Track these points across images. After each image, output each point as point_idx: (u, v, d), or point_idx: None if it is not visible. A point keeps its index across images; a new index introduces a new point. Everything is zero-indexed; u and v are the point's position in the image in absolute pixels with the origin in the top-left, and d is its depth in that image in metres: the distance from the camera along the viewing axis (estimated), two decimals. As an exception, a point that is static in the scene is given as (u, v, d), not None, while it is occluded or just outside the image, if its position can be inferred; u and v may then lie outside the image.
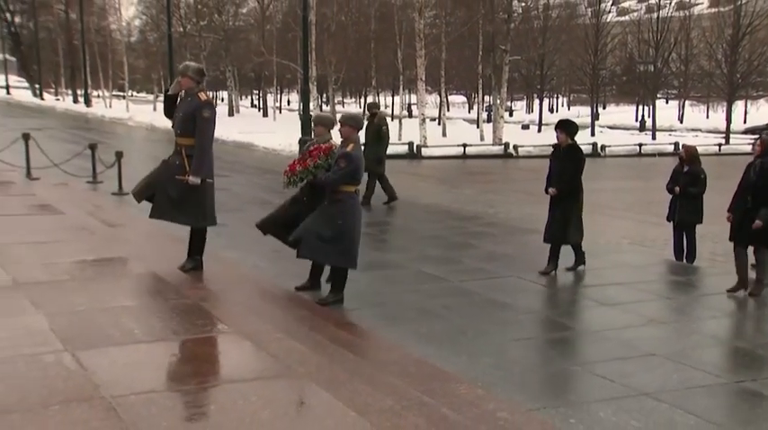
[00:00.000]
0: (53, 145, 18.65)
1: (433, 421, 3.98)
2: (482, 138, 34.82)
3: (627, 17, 63.64)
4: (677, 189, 10.12)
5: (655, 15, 46.79)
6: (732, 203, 8.39)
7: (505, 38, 34.17)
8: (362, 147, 7.79)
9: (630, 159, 32.58)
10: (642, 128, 50.94)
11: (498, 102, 35.31)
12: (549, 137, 34.69)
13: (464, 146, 29.55)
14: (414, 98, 52.54)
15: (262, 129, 34.90)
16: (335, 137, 7.48)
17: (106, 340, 5.07)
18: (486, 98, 46.38)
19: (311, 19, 30.08)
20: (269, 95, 56.64)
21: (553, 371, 6.05)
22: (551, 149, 8.92)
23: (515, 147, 30.85)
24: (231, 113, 50.02)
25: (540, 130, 45.25)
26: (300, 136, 24.76)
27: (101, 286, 6.67)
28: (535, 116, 51.39)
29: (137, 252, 8.09)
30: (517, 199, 17.29)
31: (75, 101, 56.02)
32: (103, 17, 60.55)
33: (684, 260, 10.34)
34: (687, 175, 10.10)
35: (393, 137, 31.67)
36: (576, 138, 8.81)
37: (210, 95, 7.70)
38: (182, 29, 45.00)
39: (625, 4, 76.44)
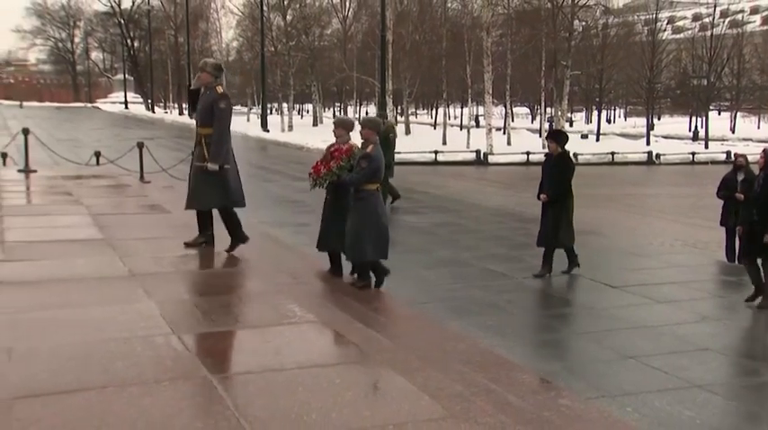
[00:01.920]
0: (161, 152, 19.17)
1: (499, 406, 3.93)
2: (544, 147, 34.31)
3: (681, 35, 61.69)
4: (740, 196, 9.45)
5: (708, 33, 45.29)
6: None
7: (567, 54, 33.61)
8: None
9: (684, 167, 31.62)
10: (695, 137, 49.24)
11: (559, 113, 34.75)
12: (607, 145, 34.12)
13: (527, 153, 29.15)
14: (481, 110, 52.16)
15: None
16: (356, 139, 7.39)
17: (206, 326, 5.17)
18: (548, 110, 45.67)
19: (388, 38, 30.18)
20: (349, 107, 56.99)
21: (611, 363, 5.92)
22: (544, 158, 8.81)
23: (575, 154, 30.28)
24: (315, 124, 50.50)
25: (598, 139, 44.29)
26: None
27: (202, 277, 6.84)
28: (594, 126, 50.28)
29: (227, 246, 8.22)
30: (577, 202, 16.94)
31: (181, 113, 57.57)
32: (206, 40, 62.12)
33: (736, 262, 9.96)
34: (745, 182, 9.54)
35: (461, 145, 31.78)
36: (567, 146, 8.60)
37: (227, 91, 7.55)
38: (273, 48, 45.62)
39: (680, 23, 74.16)
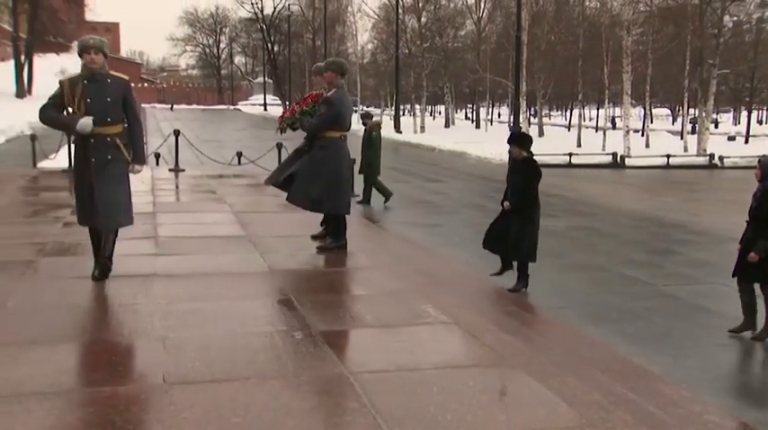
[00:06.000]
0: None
1: (640, 418, 3.79)
2: (686, 150, 32.72)
3: None
4: None
5: None
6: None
7: (714, 52, 31.87)
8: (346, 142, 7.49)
9: None
10: None
11: (703, 114, 33.02)
12: (758, 148, 32.02)
13: (667, 156, 27.91)
14: (618, 111, 50.42)
15: (474, 139, 35.00)
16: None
17: (343, 323, 5.30)
18: (691, 110, 43.50)
19: (523, 39, 29.74)
20: (482, 109, 56.65)
21: (762, 378, 5.57)
22: (509, 164, 7.69)
23: (721, 157, 28.71)
24: (447, 125, 50.58)
25: (747, 142, 41.77)
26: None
27: (337, 275, 7.00)
28: (742, 127, 47.44)
29: (360, 245, 8.38)
30: (722, 208, 16.04)
31: (315, 115, 59.16)
32: (342, 43, 63.62)
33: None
34: None
35: (597, 148, 30.84)
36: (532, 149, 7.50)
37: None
38: (407, 50, 46.10)
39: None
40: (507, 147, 7.47)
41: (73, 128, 5.77)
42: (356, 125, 13.83)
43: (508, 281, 7.29)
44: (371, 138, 14.12)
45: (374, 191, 14.07)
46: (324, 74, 7.31)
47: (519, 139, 7.40)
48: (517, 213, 7.23)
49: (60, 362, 4.28)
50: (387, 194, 14.10)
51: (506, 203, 7.32)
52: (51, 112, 5.87)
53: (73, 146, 6.21)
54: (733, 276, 6.56)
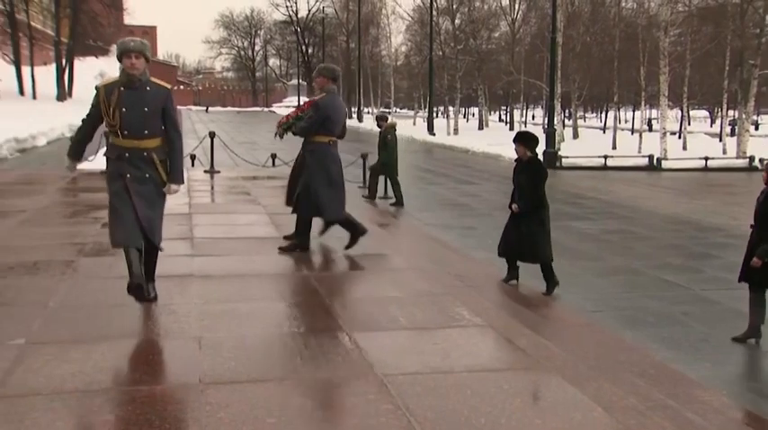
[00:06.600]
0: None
1: (679, 424, 3.73)
2: (725, 152, 32.14)
3: None
4: None
5: None
6: None
7: (755, 52, 31.26)
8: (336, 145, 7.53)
9: None
10: None
11: (744, 116, 32.41)
12: (799, 150, 31.33)
13: (705, 159, 27.43)
14: (654, 113, 49.75)
15: (508, 141, 34.72)
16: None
17: (377, 325, 5.30)
18: (730, 112, 42.73)
19: (558, 40, 29.51)
20: (515, 111, 56.33)
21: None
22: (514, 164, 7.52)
23: (761, 160, 28.11)
24: (481, 127, 50.35)
25: (788, 143, 40.91)
26: (544, 148, 24.44)
27: (371, 278, 7.00)
28: (783, 129, 46.49)
29: (395, 247, 8.39)
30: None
31: (350, 116, 59.44)
32: (376, 45, 63.80)
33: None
34: None
35: (633, 150, 30.46)
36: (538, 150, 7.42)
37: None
38: (441, 52, 46.01)
39: None
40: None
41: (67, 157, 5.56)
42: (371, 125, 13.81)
43: (542, 283, 7.23)
44: (387, 140, 14.17)
45: (389, 189, 14.19)
46: (316, 79, 7.40)
47: (524, 139, 7.30)
48: (526, 216, 7.15)
49: (99, 360, 4.35)
50: (398, 197, 14.13)
51: (514, 206, 7.26)
52: (78, 135, 5.53)
53: (104, 158, 5.58)
54: (739, 281, 6.41)
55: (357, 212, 10.91)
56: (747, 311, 6.32)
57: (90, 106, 5.36)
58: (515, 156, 7.39)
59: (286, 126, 7.56)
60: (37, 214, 9.98)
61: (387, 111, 46.82)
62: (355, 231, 7.74)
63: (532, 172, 7.16)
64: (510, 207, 7.32)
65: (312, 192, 7.34)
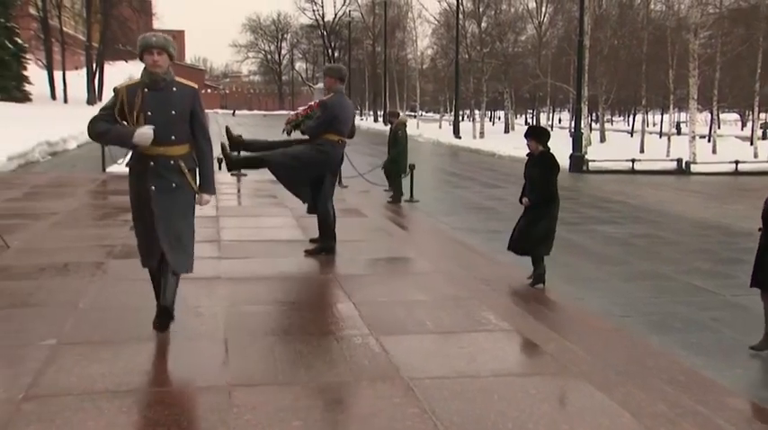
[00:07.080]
0: (358, 158, 19.89)
1: (708, 431, 3.69)
2: (756, 156, 31.68)
3: None
4: None
5: None
6: None
7: (787, 54, 30.83)
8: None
9: None
10: None
11: (774, 119, 31.95)
12: (832, 154, 30.79)
13: (736, 162, 27.03)
14: (683, 116, 49.20)
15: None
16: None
17: (403, 328, 5.29)
18: (762, 115, 42.11)
19: (586, 43, 29.29)
20: (542, 114, 56.02)
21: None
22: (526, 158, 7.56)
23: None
24: (507, 131, 50.15)
25: (821, 147, 40.20)
26: (571, 151, 24.27)
27: (397, 281, 6.99)
28: (815, 133, 45.68)
29: (421, 251, 8.37)
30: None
31: (376, 120, 59.55)
32: (402, 48, 63.89)
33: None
34: None
35: (661, 153, 30.15)
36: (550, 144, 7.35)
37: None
38: (467, 56, 45.92)
39: None
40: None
41: (129, 141, 4.65)
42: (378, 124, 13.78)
43: (571, 289, 7.18)
44: (397, 137, 14.21)
45: (393, 187, 14.20)
46: (324, 80, 7.46)
47: (536, 133, 7.34)
48: (537, 208, 7.17)
49: (128, 361, 4.40)
50: (397, 196, 14.06)
51: (525, 200, 7.28)
52: (101, 126, 4.75)
53: (126, 168, 5.09)
54: (750, 286, 6.28)
55: (379, 213, 10.94)
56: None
57: (101, 108, 4.87)
58: None
59: (295, 123, 7.68)
60: (68, 217, 10.11)
61: (411, 113, 46.75)
62: (327, 240, 7.73)
63: (544, 166, 7.17)
64: (520, 200, 7.36)
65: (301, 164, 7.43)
